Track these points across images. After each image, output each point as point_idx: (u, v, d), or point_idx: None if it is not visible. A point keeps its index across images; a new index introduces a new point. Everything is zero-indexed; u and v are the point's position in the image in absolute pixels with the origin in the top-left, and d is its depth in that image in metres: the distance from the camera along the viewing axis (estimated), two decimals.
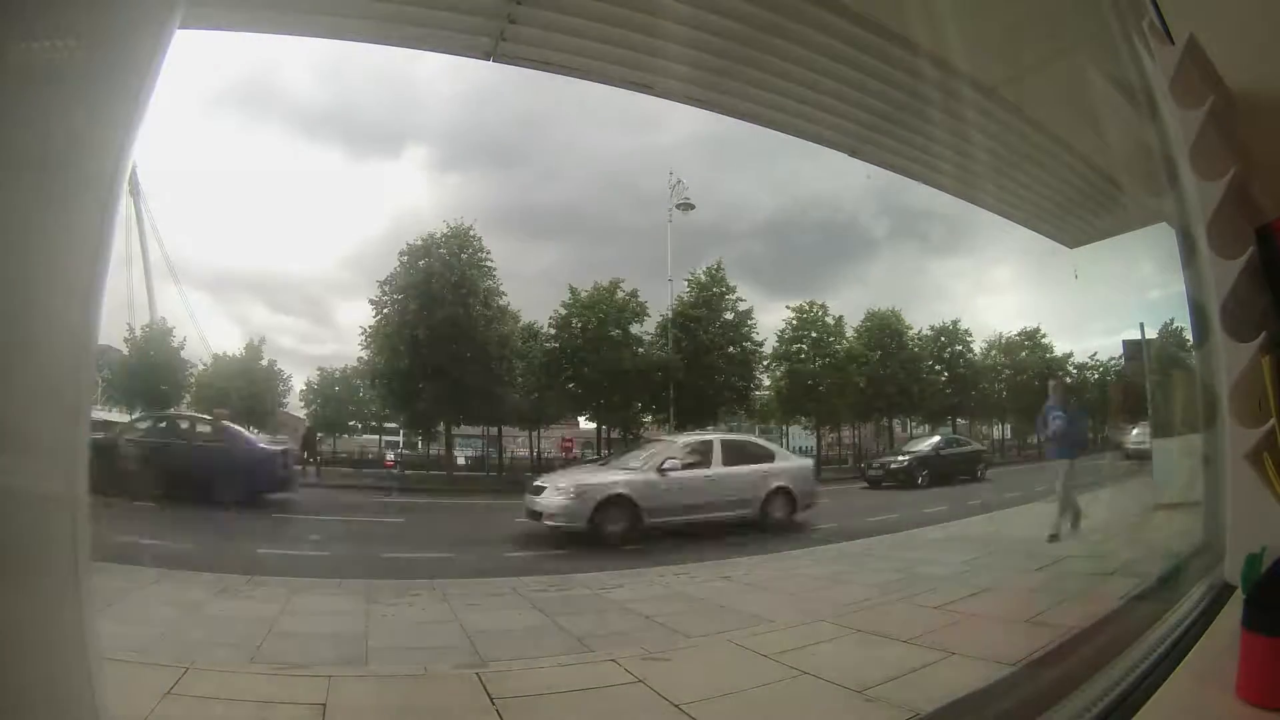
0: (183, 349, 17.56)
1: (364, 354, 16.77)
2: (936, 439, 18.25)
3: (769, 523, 9.58)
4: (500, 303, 16.90)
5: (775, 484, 9.89)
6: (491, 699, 3.32)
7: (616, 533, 8.56)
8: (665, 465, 9.52)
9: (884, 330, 21.03)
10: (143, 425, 11.52)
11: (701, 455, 10.07)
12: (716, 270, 19.20)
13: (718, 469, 9.89)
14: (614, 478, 9.39)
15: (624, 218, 25.99)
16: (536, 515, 8.67)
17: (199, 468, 9.45)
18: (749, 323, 19.38)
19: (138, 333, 17.28)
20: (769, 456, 10.69)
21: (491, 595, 5.81)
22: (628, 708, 3.33)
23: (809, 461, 13.23)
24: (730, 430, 17.22)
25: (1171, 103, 2.17)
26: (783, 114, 6.86)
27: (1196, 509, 2.95)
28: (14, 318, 0.87)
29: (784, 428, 23.20)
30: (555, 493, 8.77)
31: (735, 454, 10.33)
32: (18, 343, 0.88)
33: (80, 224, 0.95)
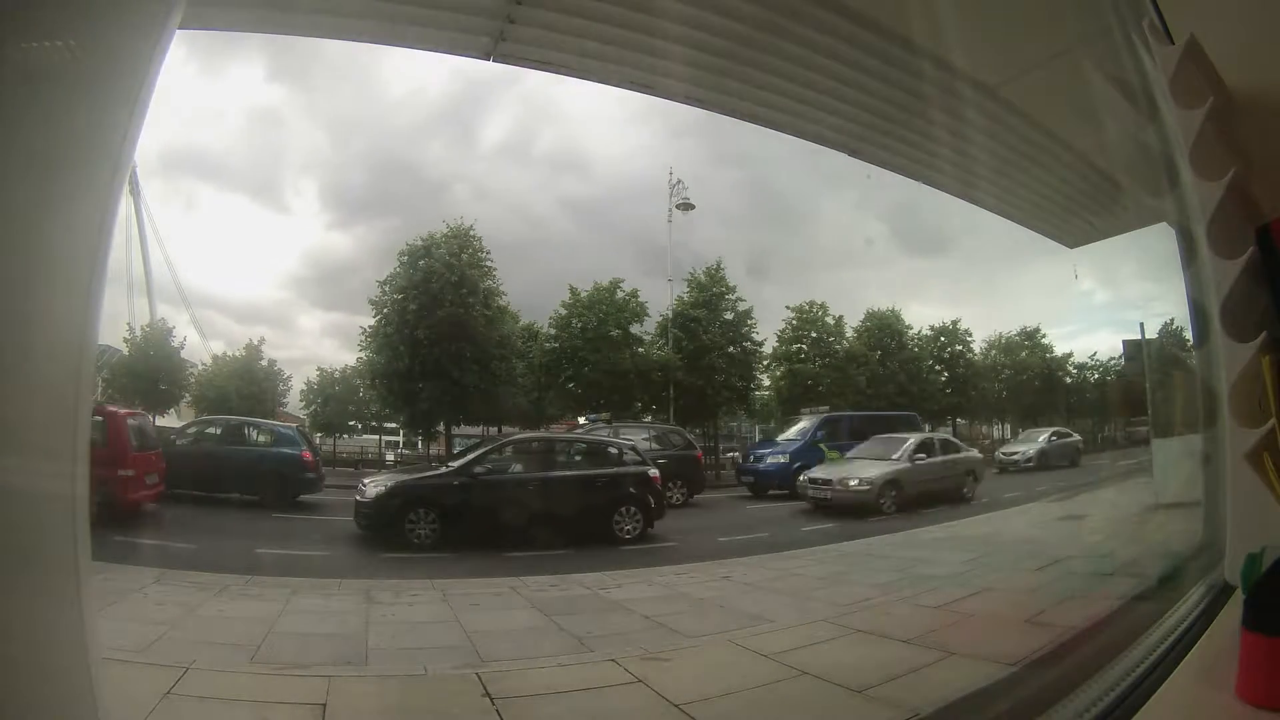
0: (183, 349, 17.58)
1: (364, 354, 16.79)
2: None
3: None
4: (500, 303, 16.90)
5: None
6: (491, 699, 3.32)
7: None
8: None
9: (884, 330, 21.05)
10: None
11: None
12: (716, 270, 19.22)
13: None
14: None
15: (624, 217, 26.00)
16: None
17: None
18: (749, 323, 19.40)
19: (138, 333, 17.29)
20: None
21: (491, 595, 5.81)
22: (628, 708, 3.33)
23: None
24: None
25: (1171, 103, 2.16)
26: (783, 114, 6.85)
27: (1196, 509, 2.95)
28: (14, 317, 0.87)
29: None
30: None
31: None
32: (18, 342, 0.88)
33: (80, 224, 0.95)
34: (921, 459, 11.88)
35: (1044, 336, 22.27)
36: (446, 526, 8.20)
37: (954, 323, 21.88)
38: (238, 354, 18.23)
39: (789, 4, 5.18)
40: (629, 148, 26.89)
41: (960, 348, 22.04)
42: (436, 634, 4.67)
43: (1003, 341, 22.66)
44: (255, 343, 18.53)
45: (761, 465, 14.07)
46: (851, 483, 11.12)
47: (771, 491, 13.19)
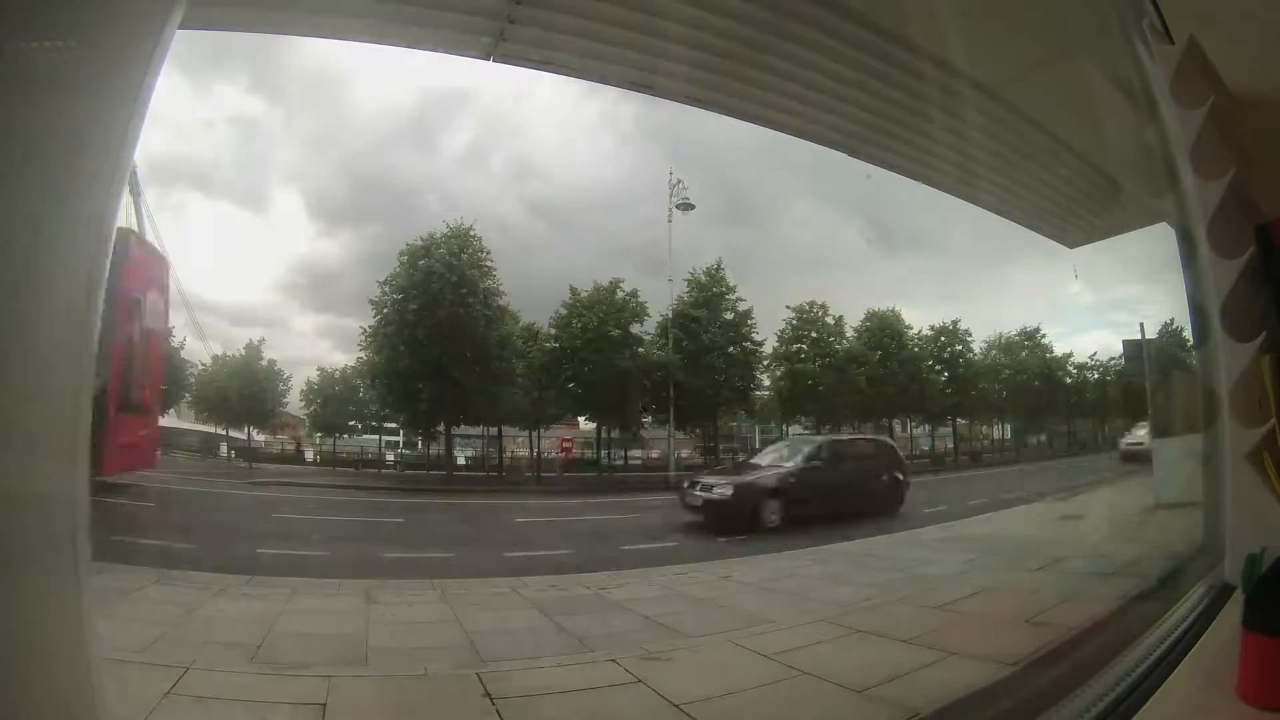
0: (182, 349, 17.59)
1: (364, 354, 16.81)
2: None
3: None
4: (500, 303, 16.90)
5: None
6: (491, 699, 3.32)
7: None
8: None
9: (884, 330, 21.06)
10: None
11: None
12: (716, 270, 19.23)
13: None
14: None
15: (624, 217, 26.03)
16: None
17: None
18: (749, 323, 19.40)
19: None
20: None
21: (492, 595, 5.80)
22: (628, 708, 3.33)
23: None
24: None
25: (1171, 103, 2.17)
26: (783, 114, 6.85)
27: (1196, 509, 2.94)
28: (14, 317, 0.87)
29: (784, 428, 23.20)
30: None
31: None
32: (18, 342, 0.88)
33: (80, 224, 0.95)
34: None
35: (1044, 336, 22.33)
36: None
37: (954, 322, 21.92)
38: (237, 354, 18.27)
39: (789, 4, 5.17)
40: (625, 148, 26.92)
41: (960, 347, 22.07)
42: (436, 634, 4.67)
43: (1003, 341, 22.70)
44: (255, 342, 18.57)
45: None
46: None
47: None
